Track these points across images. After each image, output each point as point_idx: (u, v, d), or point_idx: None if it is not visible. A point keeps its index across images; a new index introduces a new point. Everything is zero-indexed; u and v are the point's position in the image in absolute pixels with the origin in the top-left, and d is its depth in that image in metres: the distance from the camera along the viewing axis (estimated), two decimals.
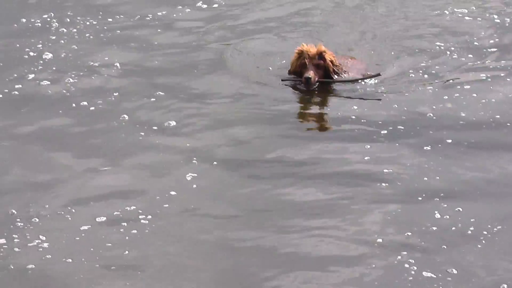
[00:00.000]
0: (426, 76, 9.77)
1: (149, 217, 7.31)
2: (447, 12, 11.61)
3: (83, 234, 7.09)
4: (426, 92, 9.38)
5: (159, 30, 11.20)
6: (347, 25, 11.37)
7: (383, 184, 7.72)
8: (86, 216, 7.33)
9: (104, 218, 7.30)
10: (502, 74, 9.77)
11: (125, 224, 7.22)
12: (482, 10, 11.60)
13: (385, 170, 7.88)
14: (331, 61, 9.46)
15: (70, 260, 6.78)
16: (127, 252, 6.89)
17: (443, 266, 6.68)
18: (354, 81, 9.51)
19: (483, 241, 6.98)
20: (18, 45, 10.73)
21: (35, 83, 9.76)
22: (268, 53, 10.35)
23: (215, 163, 8.13)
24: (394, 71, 9.85)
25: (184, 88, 9.67)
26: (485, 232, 7.07)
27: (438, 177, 7.81)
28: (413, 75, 9.78)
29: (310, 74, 9.28)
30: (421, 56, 10.31)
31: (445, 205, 7.39)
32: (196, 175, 7.90)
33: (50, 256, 6.82)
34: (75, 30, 11.16)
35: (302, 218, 7.23)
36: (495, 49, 10.45)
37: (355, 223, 7.17)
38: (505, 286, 6.49)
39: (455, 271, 6.65)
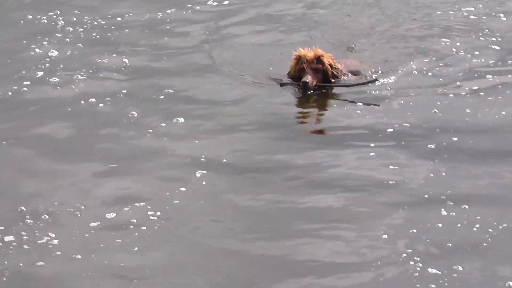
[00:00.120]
0: (431, 79, 9.70)
1: (158, 213, 7.31)
2: (455, 12, 11.56)
3: (92, 231, 7.10)
4: (430, 96, 9.28)
5: (167, 31, 11.20)
6: (351, 24, 11.36)
7: (390, 189, 7.67)
8: (96, 213, 7.33)
9: (114, 215, 7.30)
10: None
11: (135, 221, 7.22)
12: (489, 11, 11.55)
13: (391, 175, 7.80)
14: (330, 65, 9.43)
15: (80, 257, 6.78)
16: (136, 249, 6.90)
17: (450, 268, 6.66)
18: (353, 85, 9.47)
19: (489, 242, 6.95)
20: (24, 42, 10.74)
21: (43, 82, 9.79)
22: (269, 57, 10.33)
23: (221, 166, 8.11)
24: (397, 74, 9.76)
25: (190, 89, 9.66)
26: (490, 230, 7.04)
27: (445, 182, 7.76)
28: (419, 78, 9.71)
29: (308, 78, 9.26)
30: (426, 58, 10.21)
31: (452, 210, 7.34)
32: (204, 178, 7.88)
33: (59, 253, 6.83)
34: (81, 29, 11.16)
35: (308, 223, 7.17)
36: (505, 52, 10.33)
37: (361, 228, 7.09)
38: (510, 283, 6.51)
39: (460, 268, 6.66)
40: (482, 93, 9.30)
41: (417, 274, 6.57)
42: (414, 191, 7.56)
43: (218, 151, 8.27)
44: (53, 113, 9.10)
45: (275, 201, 7.48)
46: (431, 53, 10.32)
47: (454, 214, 7.21)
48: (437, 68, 9.92)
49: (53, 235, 7.03)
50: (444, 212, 7.23)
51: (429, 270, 6.60)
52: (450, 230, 7.04)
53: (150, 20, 11.49)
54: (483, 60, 10.12)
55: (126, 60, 10.30)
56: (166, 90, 9.56)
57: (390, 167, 7.91)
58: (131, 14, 11.65)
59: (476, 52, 10.29)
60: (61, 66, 10.17)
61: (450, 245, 6.87)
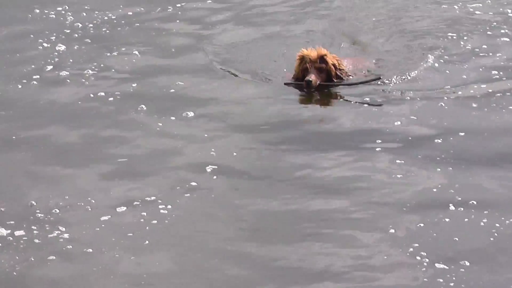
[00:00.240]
0: (439, 79, 9.57)
1: (169, 207, 7.29)
2: (464, 9, 11.50)
3: (103, 225, 7.07)
4: (437, 98, 9.14)
5: (177, 24, 11.19)
6: (356, 20, 11.35)
7: (399, 192, 7.57)
8: (106, 206, 7.31)
9: (124, 208, 7.27)
10: None
11: (145, 214, 7.19)
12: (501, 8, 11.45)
13: (399, 178, 7.66)
14: (334, 65, 9.40)
15: (91, 250, 6.76)
16: (147, 242, 6.86)
17: (452, 249, 6.65)
18: (357, 84, 9.41)
19: (497, 246, 6.85)
20: (32, 36, 10.73)
21: (51, 78, 9.79)
22: (273, 56, 10.30)
23: (230, 166, 8.05)
24: (404, 73, 9.65)
25: (195, 89, 9.64)
26: (497, 225, 6.98)
27: (451, 161, 7.77)
28: (426, 78, 9.60)
29: (311, 77, 9.24)
30: (434, 57, 10.08)
31: (460, 213, 7.24)
32: (215, 166, 7.88)
33: (70, 246, 6.80)
34: (91, 25, 11.16)
35: (316, 227, 7.03)
36: None
37: (368, 231, 6.93)
38: None
39: (467, 263, 6.60)
40: (492, 95, 9.15)
41: (426, 279, 6.49)
42: (423, 194, 7.42)
43: (226, 152, 8.20)
44: (63, 110, 9.08)
45: (284, 204, 7.38)
46: (439, 52, 10.21)
47: (462, 217, 7.08)
48: (445, 68, 9.81)
49: (64, 230, 7.00)
50: (452, 215, 7.11)
51: (437, 270, 6.51)
52: (458, 233, 6.94)
53: (162, 16, 11.47)
54: (494, 60, 10.00)
55: (136, 56, 10.31)
56: (174, 89, 9.57)
57: (397, 170, 7.76)
58: (142, 9, 11.64)
59: (487, 52, 10.18)
60: (70, 62, 10.18)
61: (457, 247, 6.80)
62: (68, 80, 9.71)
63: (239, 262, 6.64)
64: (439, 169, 7.73)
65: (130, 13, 11.53)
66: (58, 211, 7.25)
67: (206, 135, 8.47)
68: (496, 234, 6.86)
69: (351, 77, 9.53)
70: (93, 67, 9.97)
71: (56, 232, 6.97)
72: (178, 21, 11.37)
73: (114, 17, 11.44)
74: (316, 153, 8.08)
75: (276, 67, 9.95)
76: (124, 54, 10.40)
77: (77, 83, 9.64)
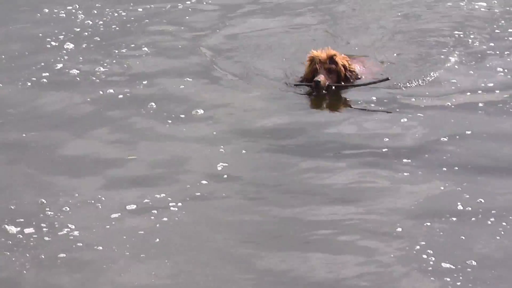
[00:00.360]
0: (449, 85, 9.41)
1: (179, 204, 7.27)
2: (470, 12, 11.40)
3: (113, 222, 7.06)
4: (445, 104, 8.98)
5: (187, 20, 11.17)
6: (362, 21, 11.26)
7: (405, 173, 7.60)
8: (116, 204, 7.30)
9: (134, 206, 7.26)
10: None
11: (155, 211, 7.18)
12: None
13: (406, 185, 7.58)
14: (344, 66, 9.35)
15: (101, 248, 6.75)
16: (157, 240, 6.85)
17: (462, 257, 6.58)
18: (365, 85, 9.33)
19: (502, 232, 6.85)
20: (40, 35, 10.73)
21: (61, 72, 9.81)
22: (285, 56, 10.25)
23: (244, 151, 8.08)
24: (410, 76, 9.54)
25: (209, 77, 9.69)
26: (504, 224, 6.94)
27: (457, 168, 7.68)
28: (436, 82, 9.44)
29: (320, 78, 9.19)
30: (441, 60, 9.96)
31: (467, 196, 7.27)
32: (226, 164, 7.86)
33: (80, 244, 6.79)
34: (101, 22, 11.16)
35: (325, 234, 6.96)
36: None
37: (373, 240, 6.85)
38: None
39: (474, 263, 6.55)
40: (502, 100, 9.01)
41: (425, 257, 6.50)
42: (432, 201, 7.34)
43: (234, 157, 8.12)
44: (72, 110, 9.05)
45: (292, 211, 7.31)
46: (448, 54, 10.10)
47: (472, 224, 6.97)
48: (455, 72, 9.68)
49: (74, 227, 7.00)
50: (461, 222, 7.01)
51: (446, 277, 6.45)
52: (467, 240, 6.86)
53: (172, 14, 11.46)
54: (504, 63, 9.86)
55: (147, 46, 10.39)
56: (188, 75, 9.62)
57: (406, 176, 7.63)
58: (152, 6, 11.64)
59: (498, 58, 10.03)
60: (78, 61, 10.17)
61: (461, 230, 6.82)
62: (77, 79, 9.70)
63: (247, 268, 6.59)
64: (447, 176, 7.62)
65: (140, 9, 11.51)
66: (68, 209, 7.24)
67: (214, 140, 8.42)
68: (505, 241, 6.80)
69: (361, 78, 9.47)
70: (103, 67, 9.95)
71: (66, 230, 6.97)
72: (188, 18, 11.34)
73: (124, 14, 11.44)
74: (322, 159, 7.99)
75: (286, 68, 9.89)
76: (133, 54, 10.38)
77: (87, 82, 9.62)
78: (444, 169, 7.72)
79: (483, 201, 7.23)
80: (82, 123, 8.72)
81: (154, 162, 7.97)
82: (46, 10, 11.51)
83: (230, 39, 10.72)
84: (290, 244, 6.82)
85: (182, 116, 8.82)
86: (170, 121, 8.71)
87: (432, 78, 9.51)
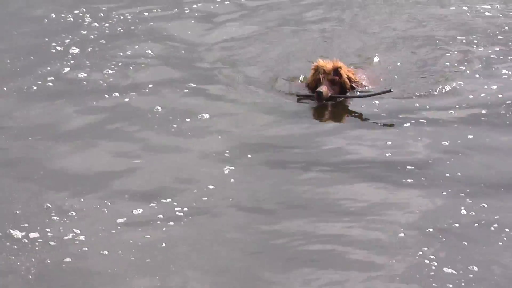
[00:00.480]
0: (449, 97, 9.23)
1: (185, 209, 7.25)
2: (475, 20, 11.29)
3: (119, 227, 7.04)
4: (448, 117, 8.82)
5: (193, 24, 11.14)
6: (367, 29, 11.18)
7: (408, 186, 7.54)
8: (122, 209, 7.27)
9: (141, 211, 7.24)
10: None
11: (161, 216, 7.16)
12: None
13: (407, 166, 7.65)
14: (348, 78, 9.29)
15: (107, 253, 6.72)
16: (164, 245, 6.83)
17: (464, 263, 6.53)
18: (367, 96, 9.22)
19: (505, 238, 6.80)
20: (47, 39, 10.73)
21: (68, 77, 9.80)
22: (289, 67, 10.17)
23: (249, 156, 8.06)
24: (413, 88, 9.40)
25: (215, 81, 9.68)
26: (507, 230, 6.89)
27: (460, 181, 7.58)
28: (437, 95, 9.27)
29: (322, 88, 9.13)
30: (444, 72, 9.80)
31: (470, 201, 7.22)
32: (233, 168, 7.83)
33: (86, 249, 6.77)
34: (107, 24, 11.15)
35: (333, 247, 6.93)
36: None
37: (378, 252, 6.78)
38: None
39: (475, 268, 6.49)
40: (507, 114, 8.80)
41: (428, 262, 6.48)
42: (430, 182, 7.37)
43: (248, 141, 8.19)
44: (77, 109, 9.06)
45: (305, 191, 7.38)
46: (451, 66, 9.94)
47: (479, 239, 6.88)
48: (458, 83, 9.46)
49: (79, 232, 6.97)
50: (467, 237, 6.95)
51: (441, 260, 6.48)
52: (465, 220, 6.89)
53: (178, 17, 11.45)
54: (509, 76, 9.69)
55: (152, 51, 10.39)
56: (194, 80, 9.59)
57: (410, 192, 7.52)
58: (158, 10, 11.62)
59: (502, 69, 9.84)
60: (87, 58, 10.20)
61: (464, 235, 6.78)
62: (84, 82, 9.69)
63: (251, 281, 6.54)
64: (451, 189, 7.49)
65: (146, 13, 11.51)
66: (74, 214, 7.22)
67: (223, 131, 8.47)
68: (503, 229, 6.80)
69: (364, 88, 9.38)
70: (107, 74, 9.92)
71: (71, 235, 6.94)
72: (193, 21, 11.32)
73: (130, 17, 11.43)
74: (325, 173, 7.87)
75: (291, 73, 9.85)
76: (141, 50, 10.42)
77: (93, 85, 9.62)
78: (447, 182, 7.61)
79: (487, 215, 7.13)
80: (88, 127, 8.69)
81: (160, 166, 7.94)
82: (53, 15, 11.51)
83: (234, 47, 10.65)
84: (294, 257, 6.75)
85: (188, 119, 8.79)
86: (173, 130, 8.67)
87: (435, 89, 9.35)
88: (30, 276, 6.50)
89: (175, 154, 8.19)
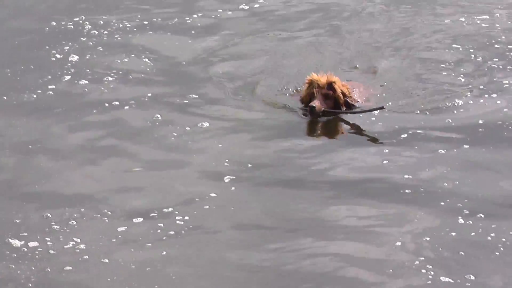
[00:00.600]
0: (444, 113, 9.09)
1: (186, 218, 7.24)
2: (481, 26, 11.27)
3: (119, 236, 7.03)
4: (446, 135, 8.64)
5: (193, 34, 11.16)
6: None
7: (406, 190, 7.53)
8: (122, 217, 7.27)
9: (141, 219, 7.23)
10: None
11: (162, 225, 7.15)
12: None
13: (405, 176, 7.66)
14: (342, 93, 9.22)
15: (107, 261, 6.72)
16: (164, 253, 6.82)
17: (461, 273, 6.53)
18: (360, 113, 9.14)
19: (502, 249, 6.80)
20: (47, 47, 10.72)
21: (68, 86, 9.76)
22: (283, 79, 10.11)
23: (249, 165, 8.04)
24: (407, 104, 9.29)
25: (214, 93, 9.64)
26: (504, 239, 6.89)
27: (458, 184, 7.58)
28: (433, 110, 9.15)
29: (315, 103, 9.08)
30: (439, 87, 9.65)
31: (467, 219, 7.19)
32: (234, 177, 7.82)
33: (86, 257, 6.76)
34: (106, 32, 11.15)
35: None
36: None
37: (380, 271, 6.73)
38: None
39: (472, 277, 6.50)
40: (508, 131, 8.71)
41: (424, 272, 6.45)
42: (427, 196, 7.36)
43: (247, 150, 8.22)
44: (78, 117, 9.05)
45: (305, 207, 7.36)
46: (447, 81, 9.79)
47: (470, 222, 6.94)
48: (456, 101, 9.28)
49: (79, 240, 6.96)
50: (460, 221, 6.99)
51: (438, 270, 6.48)
52: (462, 231, 6.87)
53: (178, 24, 11.45)
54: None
55: (150, 59, 10.39)
56: (194, 89, 9.60)
57: (405, 212, 7.40)
58: (159, 19, 11.63)
59: (504, 83, 9.71)
60: (86, 66, 10.19)
61: (460, 246, 6.75)
62: (86, 89, 9.67)
63: (268, 258, 6.67)
64: (450, 210, 7.38)
65: (146, 22, 11.51)
66: (74, 222, 7.21)
67: (224, 139, 8.49)
68: (501, 239, 6.77)
69: (358, 103, 9.33)
70: (109, 76, 9.93)
71: (72, 243, 6.93)
72: (193, 31, 11.32)
73: (129, 25, 11.43)
74: (319, 191, 7.77)
75: (291, 85, 9.81)
76: (140, 59, 10.43)
77: (93, 92, 9.61)
78: (444, 199, 7.53)
79: (488, 234, 7.06)
80: (87, 135, 8.68)
81: (160, 174, 7.95)
82: (54, 23, 11.51)
83: (240, 60, 10.61)
84: (292, 276, 6.69)
85: (188, 127, 8.78)
86: (175, 132, 8.69)
87: (431, 105, 9.24)
88: (30, 285, 6.50)
89: (174, 161, 8.19)
